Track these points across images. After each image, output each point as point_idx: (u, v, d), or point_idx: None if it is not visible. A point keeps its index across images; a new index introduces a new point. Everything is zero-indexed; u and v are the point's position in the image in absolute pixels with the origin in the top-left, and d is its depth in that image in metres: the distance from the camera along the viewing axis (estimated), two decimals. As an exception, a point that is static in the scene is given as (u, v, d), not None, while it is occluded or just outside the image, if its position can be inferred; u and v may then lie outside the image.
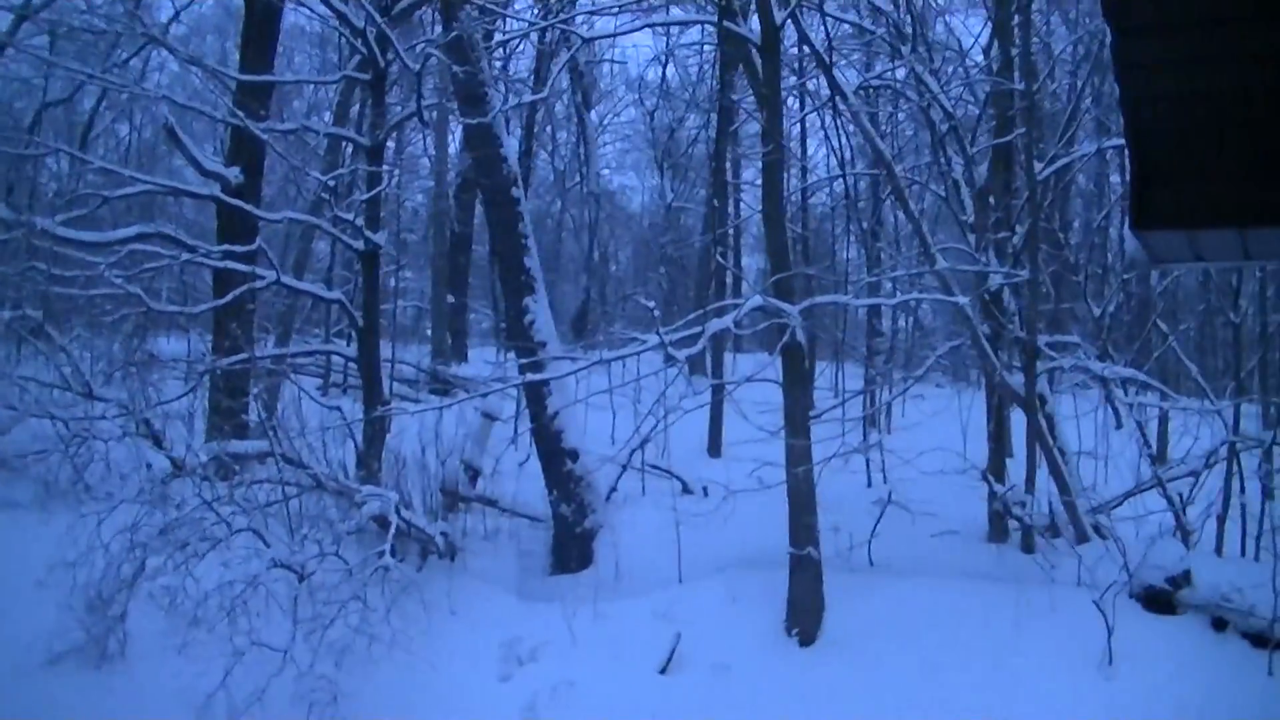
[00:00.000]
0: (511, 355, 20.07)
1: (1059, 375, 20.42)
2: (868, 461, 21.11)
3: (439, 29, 20.66)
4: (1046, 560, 15.35)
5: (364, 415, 18.41)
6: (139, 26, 21.64)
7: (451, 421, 18.53)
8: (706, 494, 19.54)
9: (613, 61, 43.77)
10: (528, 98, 30.16)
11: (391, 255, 31.02)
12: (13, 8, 29.19)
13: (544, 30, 27.77)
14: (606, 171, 48.35)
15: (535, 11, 35.19)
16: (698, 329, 14.42)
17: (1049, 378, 18.68)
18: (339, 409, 18.78)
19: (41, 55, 26.48)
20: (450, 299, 36.75)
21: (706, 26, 26.56)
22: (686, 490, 20.12)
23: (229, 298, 19.25)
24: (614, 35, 23.13)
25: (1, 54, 29.08)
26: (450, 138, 37.15)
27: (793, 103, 28.49)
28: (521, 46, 37.39)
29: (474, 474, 18.42)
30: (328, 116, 34.57)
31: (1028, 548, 16.73)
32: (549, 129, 44.13)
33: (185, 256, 19.32)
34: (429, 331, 39.08)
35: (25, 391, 18.49)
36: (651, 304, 14.22)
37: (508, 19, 24.25)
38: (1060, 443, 17.56)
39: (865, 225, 28.50)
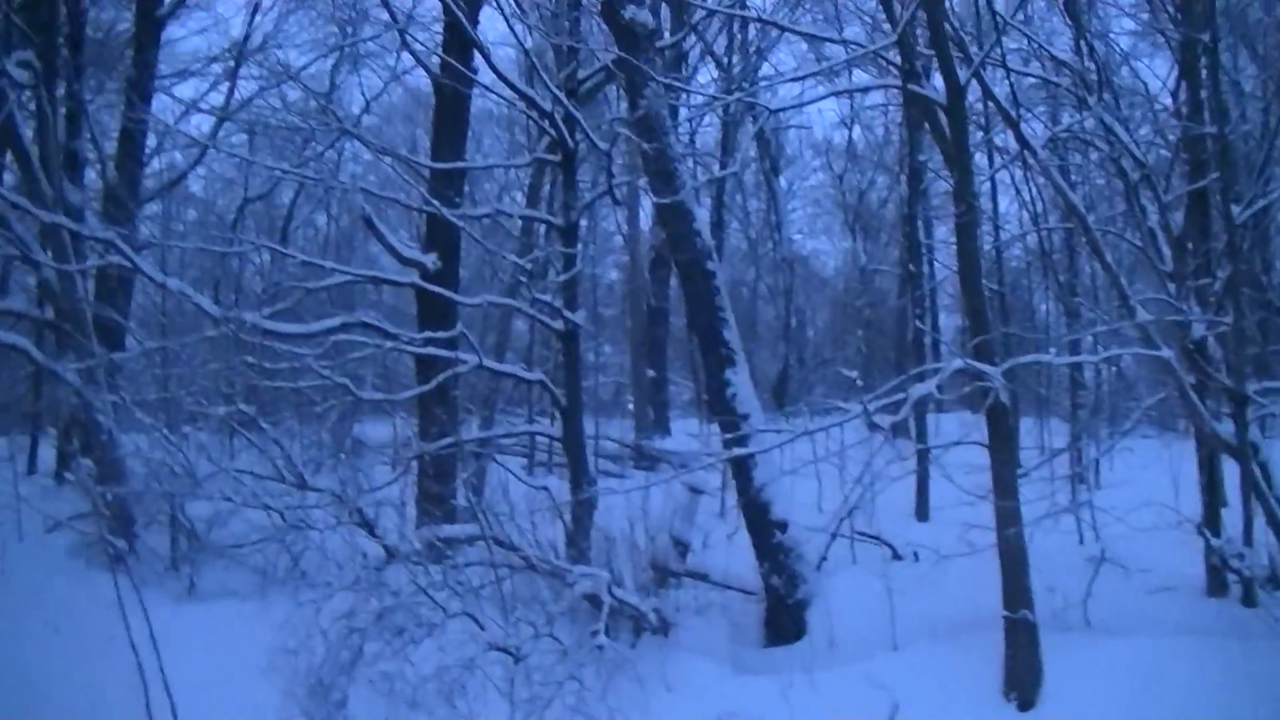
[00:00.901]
0: (714, 427, 20.10)
1: (1270, 422, 19.95)
2: (1078, 519, 20.79)
3: (624, 105, 20.86)
4: (1270, 613, 15.00)
5: (571, 494, 18.56)
6: (332, 120, 22.11)
7: (658, 496, 18.61)
8: (917, 559, 19.39)
9: (798, 127, 43.90)
10: (718, 173, 30.34)
11: (590, 332, 31.25)
12: (213, 110, 30.09)
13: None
14: (798, 236, 48.52)
15: (718, 84, 35.53)
16: (900, 395, 14.35)
17: (1260, 424, 18.26)
18: (546, 489, 18.94)
19: (241, 155, 27.19)
20: (650, 373, 36.92)
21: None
22: (896, 556, 19.97)
23: (432, 384, 19.54)
24: (799, 106, 23.18)
25: (204, 155, 29.93)
26: (641, 211, 37.44)
27: (981, 159, 28.29)
28: (708, 119, 37.68)
29: (683, 548, 18.45)
30: (519, 196, 35.10)
31: (1249, 601, 16.31)
32: (739, 197, 44.27)
33: (388, 345, 19.67)
34: (631, 405, 39.25)
35: (241, 484, 18.87)
36: (854, 373, 14.19)
37: (692, 93, 24.39)
38: (1276, 491, 17.16)
39: (1061, 279, 28.17)
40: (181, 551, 18.97)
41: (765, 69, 38.68)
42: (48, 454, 27.42)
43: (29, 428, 28.47)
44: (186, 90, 33.07)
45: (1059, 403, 30.32)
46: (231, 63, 32.50)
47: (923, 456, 22.83)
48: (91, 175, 28.33)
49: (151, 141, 28.88)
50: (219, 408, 20.94)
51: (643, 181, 22.21)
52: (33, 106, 22.33)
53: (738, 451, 16.96)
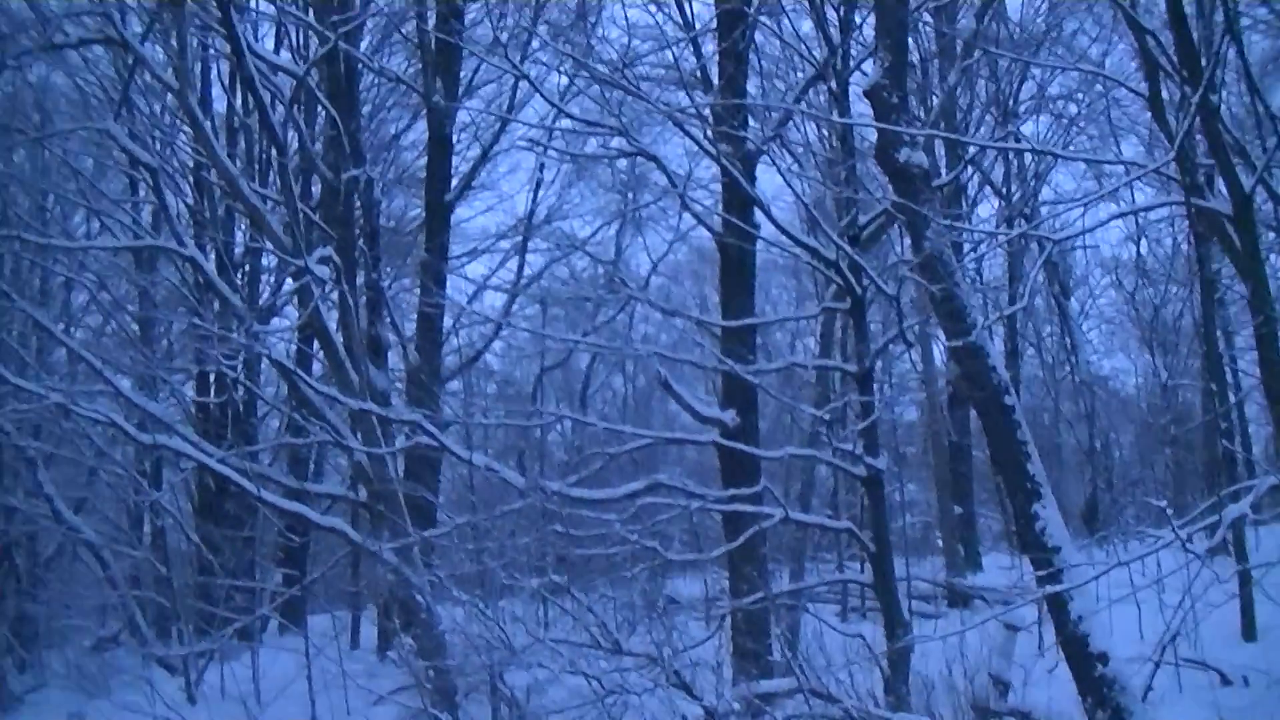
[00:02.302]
0: (1026, 559, 19.83)
1: None
2: None
3: (908, 242, 20.93)
4: None
5: (886, 640, 18.46)
6: (620, 287, 22.56)
7: (975, 635, 18.39)
8: (1247, 684, 18.83)
9: (1084, 247, 43.37)
10: (1007, 306, 30.12)
11: (893, 472, 31.14)
12: (501, 287, 30.94)
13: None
14: (1095, 357, 47.65)
15: (999, 213, 35.37)
16: (1214, 518, 14.03)
17: None
18: (861, 636, 18.87)
19: (535, 330, 27.84)
20: (957, 509, 36.55)
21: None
22: (1225, 681, 19.40)
23: (740, 540, 19.65)
24: (1082, 233, 22.96)
25: (500, 331, 30.72)
26: (935, 347, 37.27)
27: (1276, 260, 27.66)
28: (992, 251, 37.49)
29: (1004, 687, 18.17)
30: (812, 342, 35.34)
31: None
32: (1030, 324, 43.83)
33: (694, 505, 19.87)
34: (939, 542, 38.89)
35: (558, 652, 19.14)
36: (1163, 503, 13.92)
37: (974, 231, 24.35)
38: None
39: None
40: (503, 721, 19.32)
41: (1045, 192, 38.53)
42: (369, 631, 28.12)
43: (350, 605, 29.26)
44: (478, 268, 34.30)
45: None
46: (519, 238, 33.42)
47: (1244, 577, 22.21)
48: (394, 358, 29.27)
49: (448, 321, 29.75)
50: (531, 579, 21.33)
51: (933, 323, 22.21)
52: (335, 298, 23.23)
53: (1051, 589, 16.69)
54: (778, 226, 20.85)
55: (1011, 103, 35.70)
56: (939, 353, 37.13)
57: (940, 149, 30.81)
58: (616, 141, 22.29)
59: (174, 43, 22.76)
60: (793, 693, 16.52)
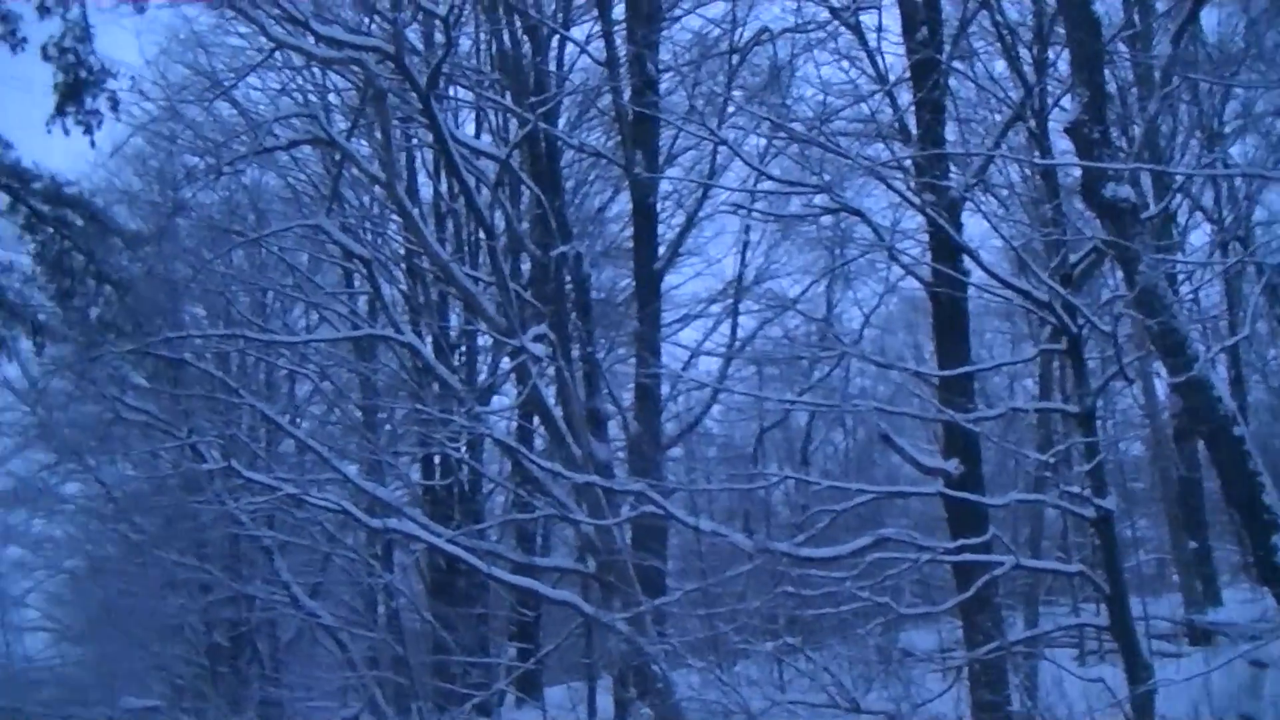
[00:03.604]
0: (1268, 592, 19.38)
1: None
2: None
3: (1121, 276, 20.63)
4: None
5: (1128, 684, 18.15)
6: (833, 344, 22.53)
7: (1221, 674, 18.02)
8: None
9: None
10: (1227, 335, 29.59)
11: (1123, 510, 30.62)
12: (716, 351, 31.09)
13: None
14: (1324, 376, 46.53)
15: (1212, 238, 34.75)
16: None
17: None
18: (1101, 680, 18.59)
19: (751, 393, 27.90)
20: (1191, 544, 35.82)
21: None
22: None
23: (971, 591, 19.47)
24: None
25: (717, 395, 30.85)
26: (1157, 380, 36.63)
27: None
28: (1208, 274, 36.82)
29: (1260, 727, 17.82)
30: (1030, 384, 34.91)
31: None
32: (1253, 350, 42.90)
33: (924, 558, 19.73)
34: (1176, 579, 38.11)
35: (795, 715, 19.11)
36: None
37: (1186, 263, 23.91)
38: None
39: None
40: (744, 786, 19.28)
41: (1259, 213, 37.73)
42: (606, 701, 28.27)
43: (585, 676, 29.47)
44: (691, 334, 34.51)
45: None
46: (730, 301, 33.50)
47: None
48: (614, 429, 29.51)
49: (665, 389, 29.93)
50: (765, 641, 21.31)
51: (1154, 358, 21.86)
52: (552, 373, 23.55)
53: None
54: (987, 271, 20.69)
55: (1216, 124, 35.07)
56: (1161, 386, 36.49)
57: (1147, 179, 30.37)
58: (819, 199, 22.22)
59: (378, 136, 23.38)
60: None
